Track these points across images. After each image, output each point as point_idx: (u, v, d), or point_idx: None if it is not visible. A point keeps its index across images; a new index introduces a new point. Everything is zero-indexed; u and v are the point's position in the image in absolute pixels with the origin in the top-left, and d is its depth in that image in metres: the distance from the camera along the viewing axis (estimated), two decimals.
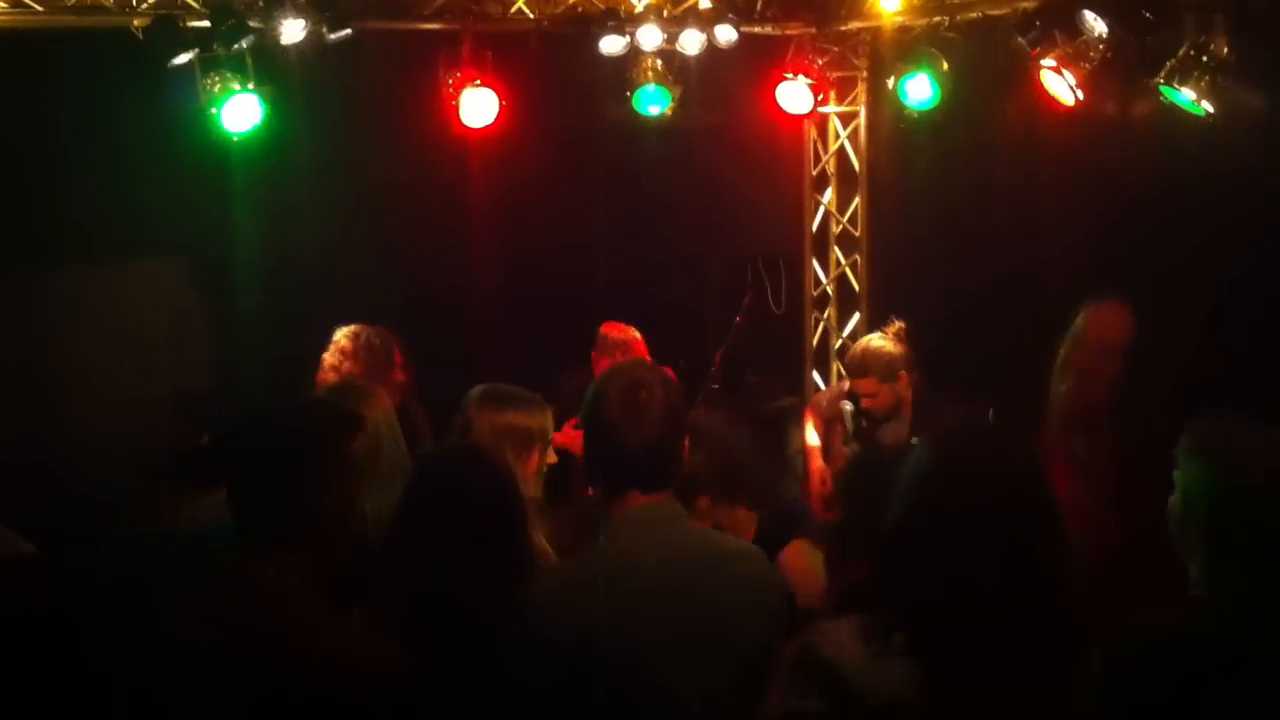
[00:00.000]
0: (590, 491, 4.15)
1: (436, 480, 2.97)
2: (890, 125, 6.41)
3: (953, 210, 6.36)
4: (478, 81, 5.72)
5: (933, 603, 2.14)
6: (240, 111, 5.32)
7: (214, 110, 5.28)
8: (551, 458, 3.60)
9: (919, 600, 2.15)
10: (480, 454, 3.10)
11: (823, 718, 2.27)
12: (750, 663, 2.59)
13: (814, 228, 6.90)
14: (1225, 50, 4.92)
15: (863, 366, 5.24)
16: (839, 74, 6.58)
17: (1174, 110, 5.23)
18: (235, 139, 5.33)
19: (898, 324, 5.33)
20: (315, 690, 2.32)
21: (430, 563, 2.81)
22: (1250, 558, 2.37)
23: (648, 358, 5.54)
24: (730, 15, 5.93)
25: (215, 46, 5.18)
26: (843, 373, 6.55)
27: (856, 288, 6.84)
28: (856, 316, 6.72)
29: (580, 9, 5.92)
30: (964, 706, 2.10)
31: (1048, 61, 5.55)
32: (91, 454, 5.51)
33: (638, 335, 5.71)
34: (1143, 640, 2.32)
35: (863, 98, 6.66)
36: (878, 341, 5.29)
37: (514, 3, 5.82)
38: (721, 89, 6.42)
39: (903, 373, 5.23)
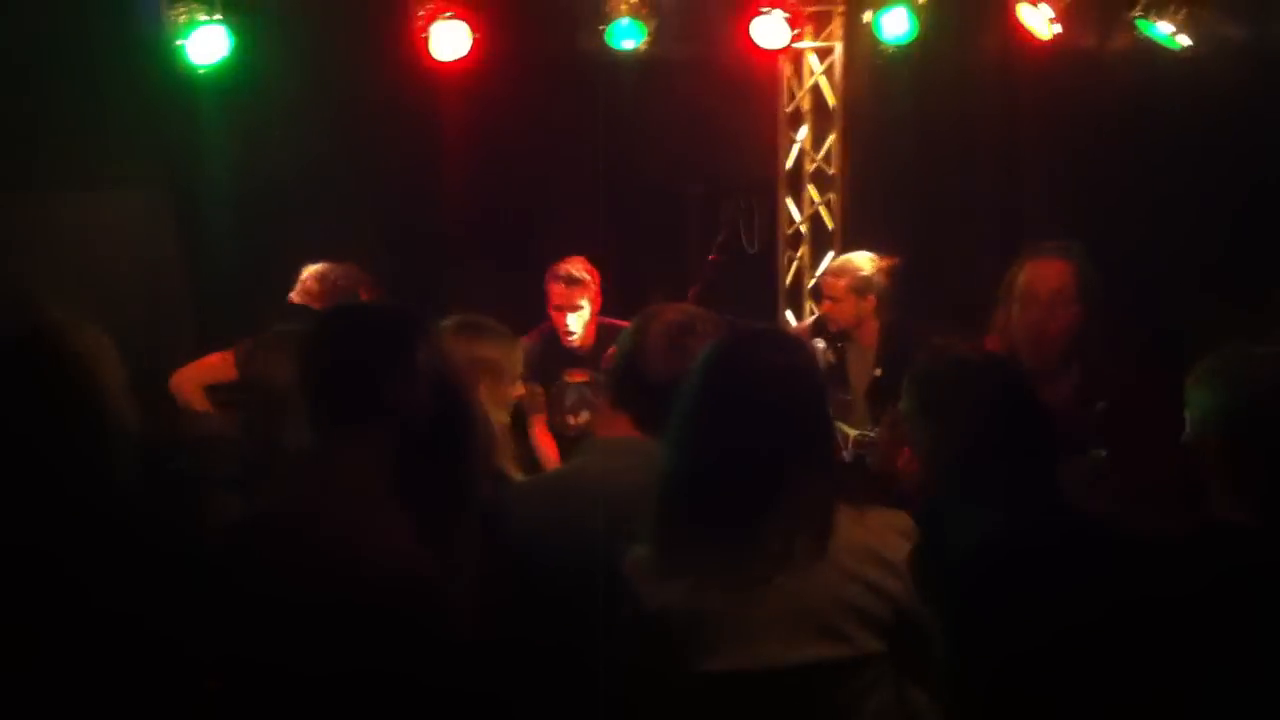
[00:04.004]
0: None
1: None
2: (866, 61, 6.36)
3: (929, 148, 6.35)
4: (449, 14, 5.63)
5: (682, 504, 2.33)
6: (207, 43, 5.22)
7: (180, 42, 5.19)
8: (520, 389, 3.65)
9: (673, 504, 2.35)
10: None
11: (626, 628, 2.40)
12: None
13: (788, 165, 6.85)
14: None
15: (838, 271, 5.42)
16: (815, 8, 6.51)
17: (1152, 43, 5.22)
18: (202, 71, 5.25)
19: (892, 258, 5.38)
20: (352, 584, 2.26)
21: None
22: (1265, 473, 2.45)
23: (597, 297, 5.50)
24: None
25: None
26: (814, 309, 6.56)
27: (830, 226, 6.81)
28: (830, 255, 6.69)
29: None
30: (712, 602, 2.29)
31: None
32: None
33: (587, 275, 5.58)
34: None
35: (839, 33, 6.59)
36: (863, 257, 5.39)
37: None
38: (696, 22, 6.34)
39: (872, 296, 5.30)
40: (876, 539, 2.36)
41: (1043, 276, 4.04)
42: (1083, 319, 4.02)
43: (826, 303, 5.42)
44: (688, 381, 2.43)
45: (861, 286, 5.30)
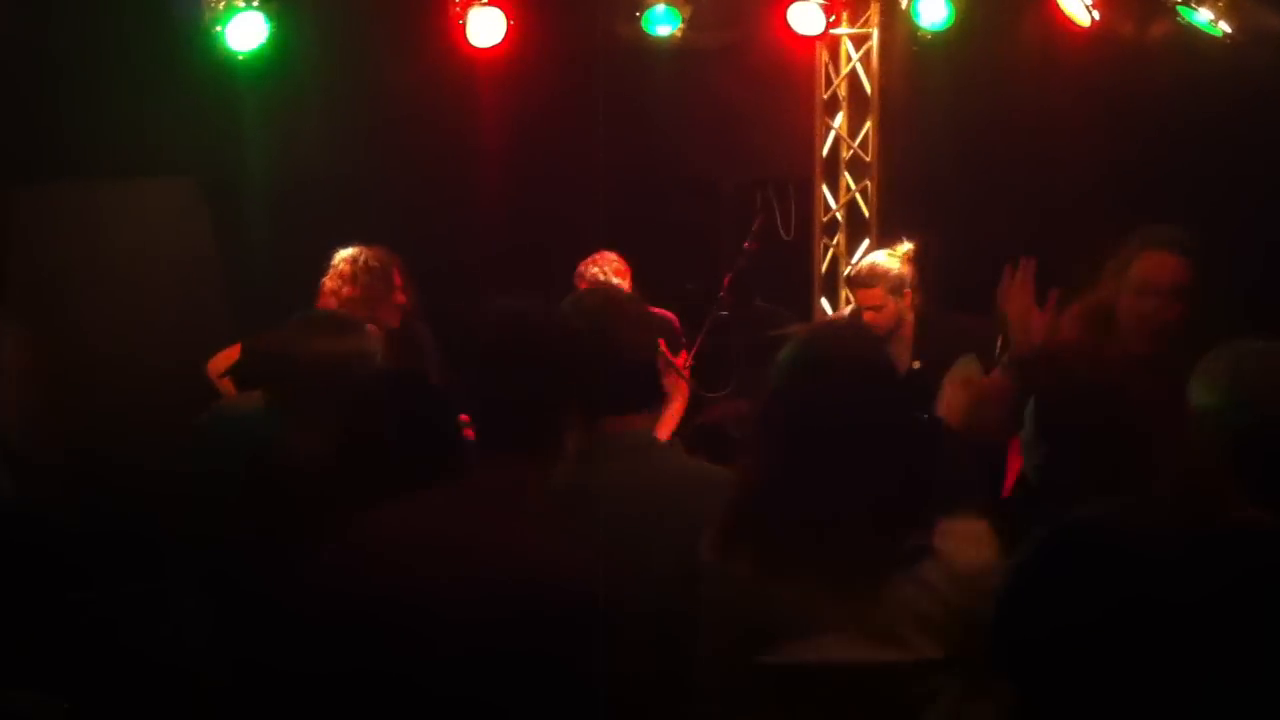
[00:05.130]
0: None
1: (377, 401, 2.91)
2: (903, 48, 6.32)
3: (966, 135, 6.29)
4: (485, 0, 5.66)
5: (776, 493, 2.31)
6: (245, 29, 5.27)
7: (219, 28, 5.24)
8: None
9: (767, 492, 2.33)
10: (416, 374, 3.11)
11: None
12: None
13: (824, 153, 6.82)
14: None
15: (870, 278, 5.33)
16: None
17: (1192, 30, 5.17)
18: (240, 58, 5.29)
19: (907, 245, 5.36)
20: (538, 596, 2.22)
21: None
22: (1266, 470, 2.38)
23: (628, 287, 5.51)
24: None
25: None
26: (850, 299, 6.53)
27: (866, 214, 6.78)
28: (866, 243, 6.67)
29: None
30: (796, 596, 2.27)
31: None
32: (95, 371, 5.53)
33: (614, 276, 5.59)
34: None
35: (875, 19, 6.54)
36: (886, 257, 5.36)
37: None
38: (732, 8, 6.33)
39: (908, 290, 5.28)
40: (953, 548, 2.33)
41: (1162, 268, 3.90)
42: (1189, 312, 3.87)
43: (868, 313, 5.30)
44: (771, 384, 2.43)
45: (896, 286, 5.26)
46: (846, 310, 6.09)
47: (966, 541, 2.34)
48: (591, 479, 2.64)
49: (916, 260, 5.32)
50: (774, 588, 2.29)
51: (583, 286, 5.46)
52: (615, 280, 5.48)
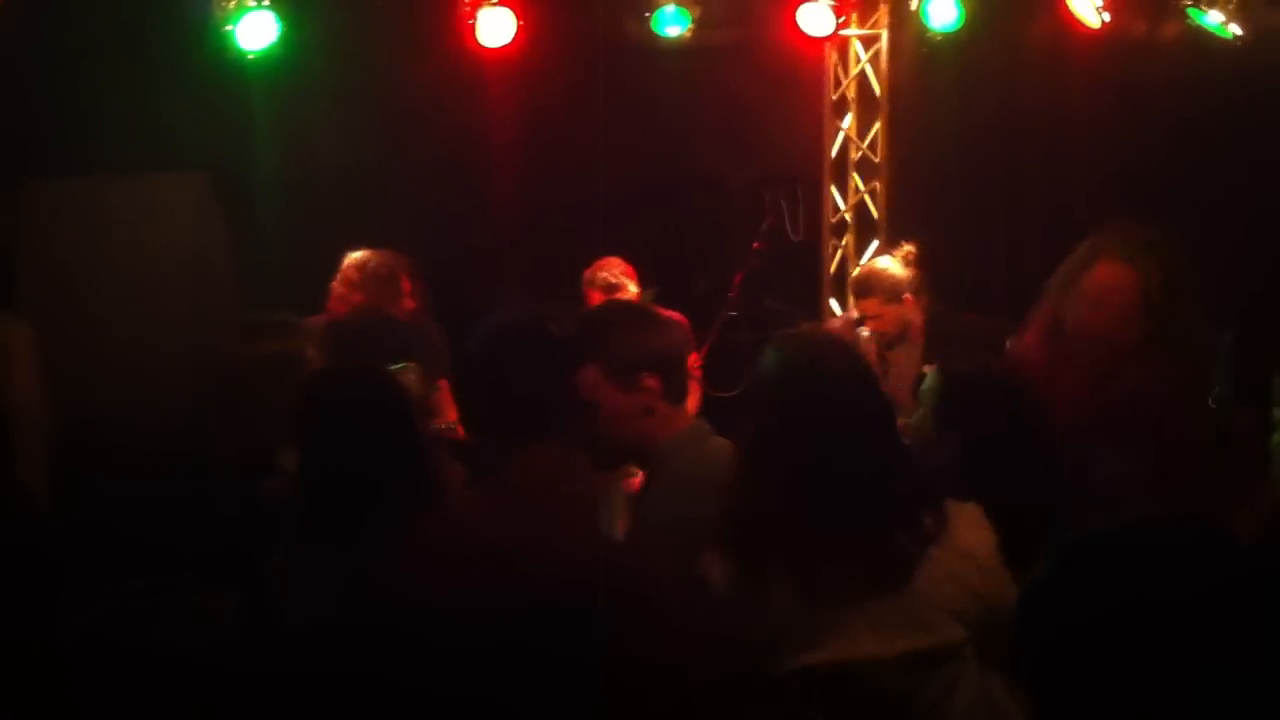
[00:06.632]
0: None
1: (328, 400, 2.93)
2: (913, 49, 6.33)
3: (975, 136, 6.31)
4: (495, 0, 5.67)
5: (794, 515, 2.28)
6: (255, 29, 5.28)
7: (229, 27, 5.25)
8: None
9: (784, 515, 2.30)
10: (377, 368, 3.13)
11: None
12: None
13: (833, 153, 6.83)
14: None
15: (866, 287, 5.32)
16: None
17: (1202, 31, 5.18)
18: (251, 56, 5.30)
19: (908, 247, 5.35)
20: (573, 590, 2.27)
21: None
22: None
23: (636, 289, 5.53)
24: None
25: None
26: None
27: (875, 215, 6.79)
28: (875, 244, 6.67)
29: None
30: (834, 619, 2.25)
31: None
32: (108, 366, 5.54)
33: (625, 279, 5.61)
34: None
35: (885, 20, 6.55)
36: (883, 263, 5.36)
37: None
38: (741, 9, 6.34)
39: (908, 295, 5.26)
40: (957, 532, 2.39)
41: (1116, 283, 3.57)
42: (1151, 320, 3.58)
43: (870, 322, 5.29)
44: (761, 392, 2.47)
45: (892, 292, 5.23)
46: (854, 313, 6.09)
47: (967, 524, 2.38)
48: (661, 475, 2.75)
49: (919, 262, 5.29)
50: (790, 595, 2.29)
51: (593, 291, 5.47)
52: (624, 282, 5.49)
